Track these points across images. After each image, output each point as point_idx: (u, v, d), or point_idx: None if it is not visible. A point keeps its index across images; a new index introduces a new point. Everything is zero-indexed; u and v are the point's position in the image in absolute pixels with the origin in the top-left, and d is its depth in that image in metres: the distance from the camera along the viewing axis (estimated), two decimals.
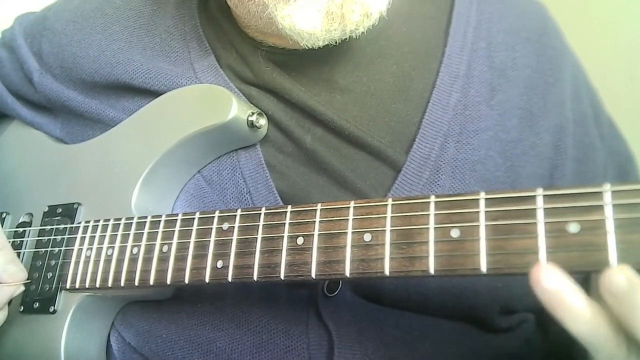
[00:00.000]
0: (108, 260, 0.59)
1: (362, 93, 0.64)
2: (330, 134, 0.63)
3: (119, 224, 0.60)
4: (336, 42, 0.59)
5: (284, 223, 0.50)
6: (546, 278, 0.38)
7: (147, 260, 0.56)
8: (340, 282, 0.59)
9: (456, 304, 0.60)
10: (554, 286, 0.38)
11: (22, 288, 0.62)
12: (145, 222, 0.58)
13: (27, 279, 0.64)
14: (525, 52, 0.67)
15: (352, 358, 0.57)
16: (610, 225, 0.38)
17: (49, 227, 0.66)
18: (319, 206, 0.49)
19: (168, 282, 0.54)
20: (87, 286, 0.60)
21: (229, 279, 0.51)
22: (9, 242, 0.65)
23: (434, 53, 0.66)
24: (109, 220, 0.61)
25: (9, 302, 0.63)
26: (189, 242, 0.55)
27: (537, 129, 0.65)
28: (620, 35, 1.24)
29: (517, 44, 0.67)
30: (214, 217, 0.54)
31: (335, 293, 0.59)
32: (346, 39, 0.59)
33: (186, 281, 0.54)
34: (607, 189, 0.39)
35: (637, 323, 0.37)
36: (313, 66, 0.65)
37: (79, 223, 0.64)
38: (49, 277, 0.63)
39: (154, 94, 0.67)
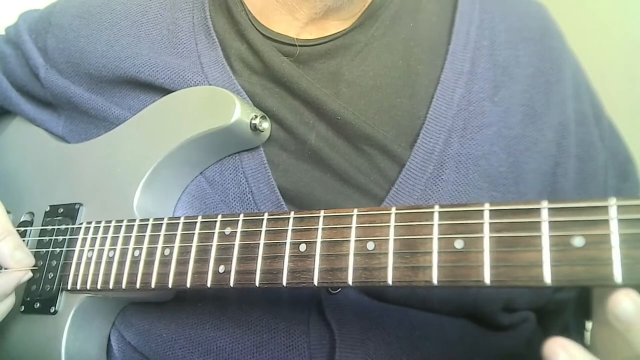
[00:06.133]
0: (109, 262, 0.59)
1: (368, 87, 0.65)
2: (334, 129, 0.63)
3: (121, 225, 0.60)
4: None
5: (287, 229, 0.50)
6: (559, 354, 0.38)
7: (149, 263, 0.56)
8: None
9: (460, 297, 0.60)
10: None
11: (30, 274, 0.62)
12: (147, 224, 0.58)
13: (34, 265, 0.64)
14: (528, 52, 0.68)
15: (353, 357, 0.57)
16: (615, 240, 0.38)
17: (50, 227, 0.66)
18: (322, 213, 0.49)
19: (170, 285, 0.54)
20: (88, 288, 0.60)
21: (231, 284, 0.51)
22: None
23: (438, 50, 0.66)
24: (110, 221, 0.61)
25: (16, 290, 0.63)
26: (191, 246, 0.55)
27: (540, 126, 0.65)
28: (620, 35, 1.24)
29: (520, 43, 0.68)
30: (216, 221, 0.54)
31: (339, 290, 0.59)
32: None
33: (188, 285, 0.53)
34: (612, 203, 0.39)
35: None
36: (321, 59, 0.66)
37: (81, 224, 0.64)
38: (50, 278, 0.63)
39: (160, 89, 0.67)
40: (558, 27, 0.74)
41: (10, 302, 0.62)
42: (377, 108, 0.64)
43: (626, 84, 1.21)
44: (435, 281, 0.43)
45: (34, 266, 0.63)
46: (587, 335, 0.63)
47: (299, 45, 0.65)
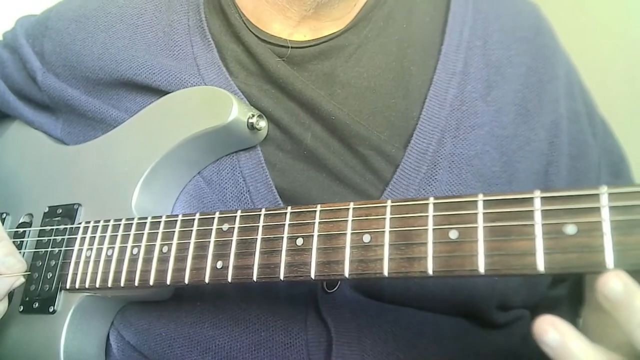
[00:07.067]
0: (108, 261, 0.59)
1: (362, 88, 0.65)
2: (329, 129, 0.64)
3: (119, 224, 0.61)
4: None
5: (284, 224, 0.51)
6: (549, 332, 0.38)
7: (147, 261, 0.57)
8: None
9: (454, 296, 0.61)
10: (557, 340, 0.38)
11: (22, 280, 0.62)
12: (146, 222, 0.59)
13: (27, 271, 0.64)
14: (521, 51, 0.69)
15: (350, 355, 0.58)
16: (606, 227, 0.38)
17: (49, 228, 0.67)
18: (318, 207, 0.50)
19: (168, 282, 0.55)
20: (87, 286, 0.60)
21: (229, 279, 0.52)
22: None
23: (431, 50, 0.67)
24: (109, 220, 0.62)
25: (11, 295, 0.64)
26: (189, 242, 0.55)
27: (532, 125, 0.66)
28: (620, 35, 1.24)
29: (513, 43, 0.69)
30: (214, 218, 0.55)
31: (335, 289, 0.59)
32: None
33: (186, 281, 0.54)
34: (603, 191, 0.39)
35: (635, 328, 0.37)
36: (315, 60, 0.66)
37: (79, 223, 0.64)
38: (48, 277, 0.63)
39: (157, 91, 0.67)
40: (551, 26, 0.75)
41: (2, 308, 0.62)
42: (371, 109, 0.64)
43: (626, 84, 1.21)
44: (430, 271, 0.43)
45: (26, 272, 0.63)
46: (580, 321, 0.63)
47: (292, 47, 0.66)
